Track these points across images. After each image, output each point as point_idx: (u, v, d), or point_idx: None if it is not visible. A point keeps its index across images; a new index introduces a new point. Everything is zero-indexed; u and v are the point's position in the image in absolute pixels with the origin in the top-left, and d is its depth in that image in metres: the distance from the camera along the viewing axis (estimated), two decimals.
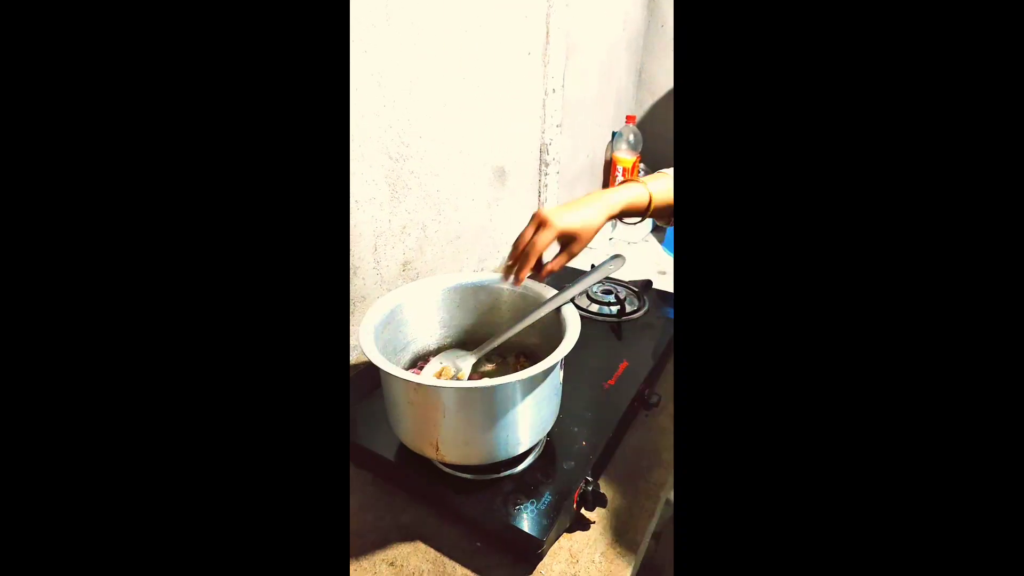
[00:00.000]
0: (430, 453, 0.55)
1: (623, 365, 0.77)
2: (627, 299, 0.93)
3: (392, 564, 0.57)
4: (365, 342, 0.54)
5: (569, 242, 0.62)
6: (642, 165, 1.49)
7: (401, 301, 0.64)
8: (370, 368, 0.80)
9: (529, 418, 0.55)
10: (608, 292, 0.94)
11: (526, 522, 0.54)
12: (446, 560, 0.58)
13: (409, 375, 0.49)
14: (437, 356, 0.66)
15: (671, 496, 0.93)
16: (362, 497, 0.65)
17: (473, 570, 0.57)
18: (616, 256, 0.69)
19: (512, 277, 0.64)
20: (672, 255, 1.25)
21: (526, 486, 0.58)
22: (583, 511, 0.61)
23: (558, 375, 0.58)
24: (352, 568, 0.57)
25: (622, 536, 0.60)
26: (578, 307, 0.91)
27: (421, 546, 0.59)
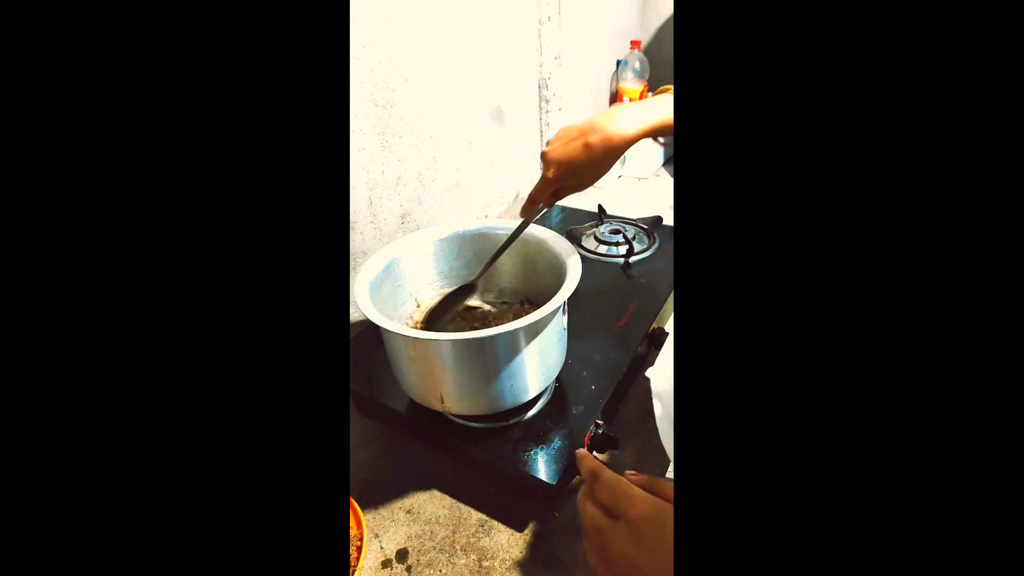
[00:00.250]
0: (436, 406, 0.55)
1: (632, 306, 0.75)
2: (636, 238, 0.90)
3: (409, 511, 0.59)
4: (360, 298, 0.53)
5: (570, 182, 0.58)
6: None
7: (397, 255, 0.62)
8: (374, 326, 0.80)
9: (534, 366, 0.54)
10: (616, 232, 0.90)
11: (537, 468, 0.54)
12: (461, 506, 0.59)
13: (404, 329, 0.48)
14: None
15: None
16: (379, 447, 0.66)
17: (487, 514, 0.58)
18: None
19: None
20: None
21: (535, 433, 0.58)
22: (594, 453, 0.61)
23: (561, 320, 0.56)
24: (371, 516, 0.59)
25: None
26: (586, 249, 0.88)
27: (436, 493, 0.60)
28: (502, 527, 0.57)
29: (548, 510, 0.57)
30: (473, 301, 0.71)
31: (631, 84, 1.36)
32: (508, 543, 0.56)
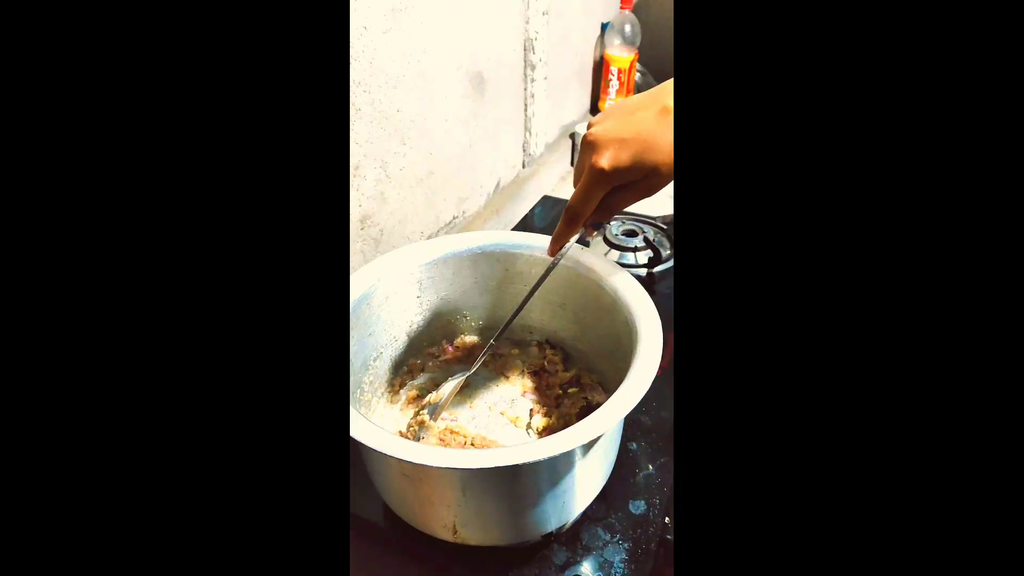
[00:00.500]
0: (444, 535, 0.36)
1: (672, 337, 0.58)
2: (657, 241, 0.72)
3: None
4: None
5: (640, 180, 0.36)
6: (640, 66, 1.23)
7: (369, 287, 0.41)
8: None
9: (588, 478, 0.35)
10: (632, 234, 0.73)
11: None
12: None
13: (403, 448, 0.28)
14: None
15: None
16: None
17: None
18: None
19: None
20: None
21: (585, 551, 0.39)
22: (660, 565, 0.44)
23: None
24: None
25: None
26: None
27: None
28: None
29: None
30: (470, 337, 0.51)
31: (619, 51, 1.17)
32: None
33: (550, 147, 1.08)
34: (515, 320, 0.50)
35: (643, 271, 0.68)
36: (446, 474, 0.31)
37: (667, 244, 0.73)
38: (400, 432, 0.44)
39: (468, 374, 0.44)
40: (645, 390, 0.31)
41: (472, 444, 0.42)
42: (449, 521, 0.34)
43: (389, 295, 0.44)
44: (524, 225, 0.87)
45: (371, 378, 0.44)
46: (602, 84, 1.20)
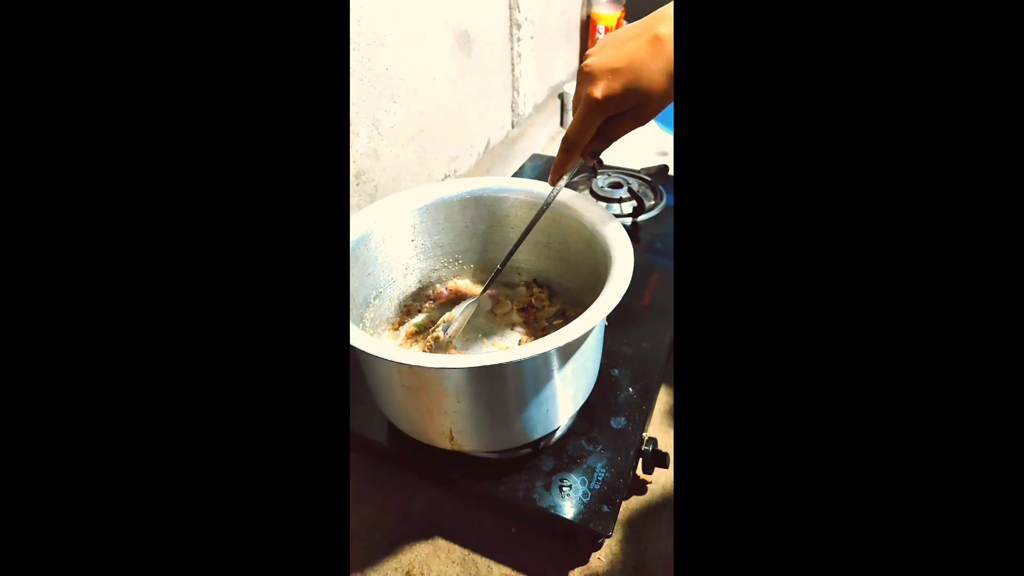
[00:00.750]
0: (442, 443, 0.40)
1: (654, 278, 0.62)
2: (641, 192, 0.76)
3: (409, 573, 0.45)
4: None
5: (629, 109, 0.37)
6: (626, 23, 1.23)
7: (366, 230, 0.45)
8: None
9: (569, 386, 0.40)
10: (618, 185, 0.76)
11: (581, 510, 0.41)
12: (476, 559, 0.45)
13: (403, 355, 0.32)
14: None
15: None
16: (355, 484, 0.51)
17: (513, 567, 0.45)
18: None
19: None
20: (672, 133, 1.05)
21: (569, 459, 0.44)
22: (639, 474, 0.49)
23: (603, 322, 0.42)
24: None
25: None
26: None
27: (442, 544, 0.46)
28: None
29: (589, 552, 0.45)
30: (462, 281, 0.55)
31: (605, 9, 1.17)
32: None
33: (539, 107, 1.10)
34: (494, 258, 0.54)
35: (628, 220, 0.72)
36: (442, 379, 0.35)
37: (650, 195, 0.77)
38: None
39: (478, 298, 0.48)
40: (615, 303, 0.35)
41: None
42: (446, 428, 0.38)
43: (385, 238, 0.47)
44: None
45: (372, 314, 0.48)
46: (589, 43, 1.21)
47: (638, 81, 0.34)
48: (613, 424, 0.47)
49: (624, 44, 0.35)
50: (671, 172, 0.81)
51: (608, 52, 0.35)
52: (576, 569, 0.44)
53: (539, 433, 0.41)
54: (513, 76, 0.97)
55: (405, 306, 0.52)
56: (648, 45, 0.34)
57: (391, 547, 0.46)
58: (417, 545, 0.46)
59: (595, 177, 0.78)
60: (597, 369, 0.44)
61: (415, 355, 0.32)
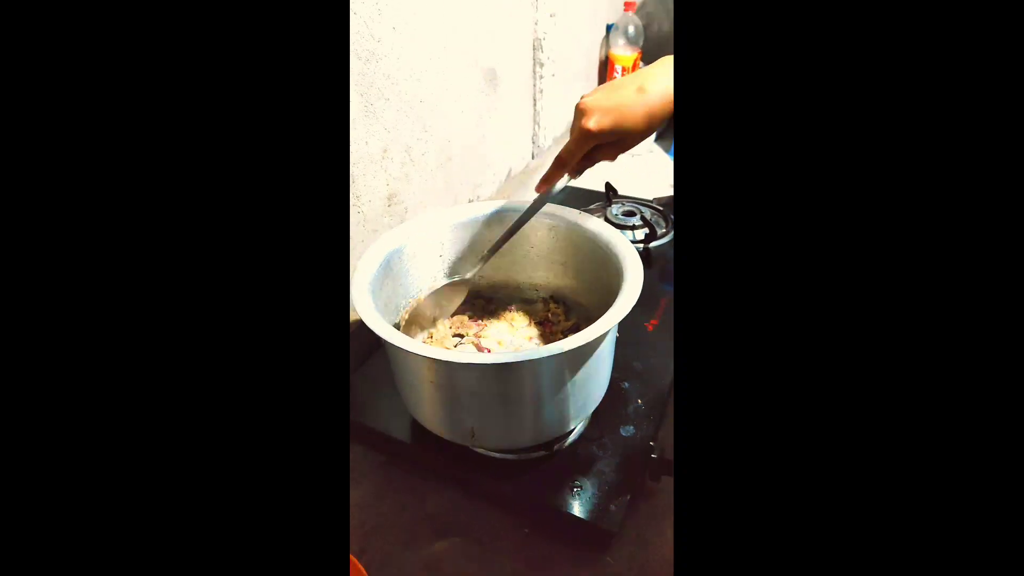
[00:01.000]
0: (463, 441, 0.43)
1: (664, 301, 0.65)
2: (653, 220, 0.80)
3: (428, 567, 0.47)
4: (361, 303, 0.40)
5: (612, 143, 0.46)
6: (642, 64, 1.30)
7: (400, 245, 0.49)
8: (364, 327, 0.67)
9: (583, 388, 0.43)
10: (631, 214, 0.80)
11: (590, 509, 0.43)
12: (491, 556, 0.48)
13: (428, 349, 0.36)
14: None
15: None
16: (376, 484, 0.54)
17: (526, 566, 0.47)
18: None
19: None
20: None
21: (581, 462, 0.47)
22: (647, 480, 0.51)
23: (614, 332, 0.45)
24: None
25: None
26: None
27: (458, 542, 0.49)
28: None
29: (599, 554, 0.47)
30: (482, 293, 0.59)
31: (623, 51, 1.24)
32: None
33: (558, 140, 1.16)
34: (524, 280, 0.58)
35: (640, 246, 0.76)
36: (467, 375, 0.38)
37: (662, 223, 0.81)
38: None
39: (465, 277, 0.52)
40: (626, 312, 0.39)
41: None
42: (468, 426, 0.42)
43: (416, 252, 0.52)
44: None
45: (400, 321, 0.52)
46: (607, 82, 1.28)
47: (623, 120, 0.42)
48: (622, 432, 0.50)
49: (616, 91, 0.43)
50: None
51: (602, 95, 0.44)
52: (585, 570, 0.47)
53: (553, 434, 0.44)
54: (535, 110, 1.04)
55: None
56: (634, 94, 0.42)
57: (409, 543, 0.49)
58: (436, 542, 0.49)
59: (610, 205, 0.83)
60: (608, 378, 0.48)
61: (445, 351, 0.36)
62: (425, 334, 0.55)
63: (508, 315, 0.57)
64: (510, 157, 1.01)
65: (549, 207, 0.54)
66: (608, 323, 0.37)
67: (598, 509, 0.43)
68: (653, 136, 1.26)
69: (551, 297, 0.58)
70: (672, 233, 0.78)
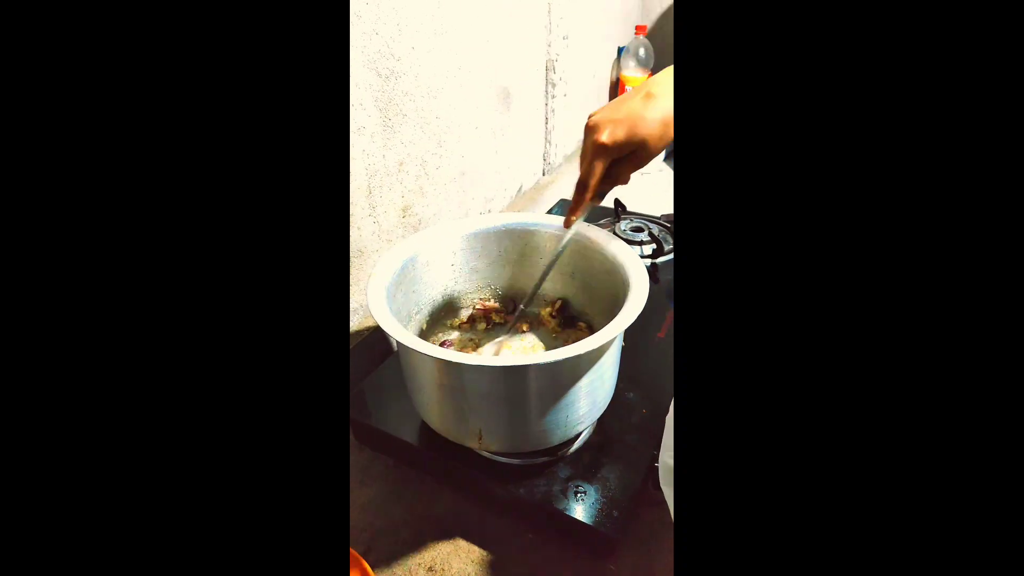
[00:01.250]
0: (471, 443, 0.45)
1: (671, 314, 0.67)
2: (660, 236, 0.81)
3: (431, 569, 0.48)
4: (377, 308, 0.42)
5: (629, 154, 0.44)
6: None
7: (414, 253, 0.51)
8: (377, 334, 0.69)
9: (590, 394, 0.44)
10: (639, 230, 0.82)
11: (594, 514, 0.44)
12: (494, 559, 0.49)
13: (442, 351, 0.38)
14: (492, 342, 0.53)
15: None
16: (385, 486, 0.55)
17: (528, 570, 0.48)
18: None
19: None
20: None
21: (585, 468, 0.48)
22: (650, 488, 0.52)
23: (619, 342, 0.47)
24: (388, 575, 0.48)
25: None
26: None
27: (462, 544, 0.50)
28: None
29: (602, 560, 0.48)
30: (492, 303, 0.60)
31: (634, 73, 1.27)
32: None
33: (568, 158, 1.18)
34: (530, 287, 0.59)
35: (648, 261, 0.77)
36: (476, 377, 0.40)
37: (669, 239, 0.82)
38: None
39: (506, 336, 0.54)
40: (631, 321, 0.40)
41: None
42: (476, 428, 0.43)
43: (429, 261, 0.54)
44: None
45: (413, 327, 0.54)
46: None
47: (636, 128, 0.41)
48: (627, 440, 0.50)
49: (624, 102, 0.42)
50: None
51: (610, 108, 0.43)
52: None
53: (558, 439, 0.45)
54: (546, 129, 1.06)
55: (442, 324, 0.58)
56: (642, 100, 0.41)
57: (416, 544, 0.50)
58: (440, 544, 0.50)
59: (618, 221, 0.85)
60: (613, 386, 0.49)
61: (455, 353, 0.37)
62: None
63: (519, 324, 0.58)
64: (522, 173, 1.03)
65: (560, 221, 0.56)
66: (614, 331, 0.39)
67: (601, 515, 0.44)
68: (663, 155, 1.28)
69: (556, 303, 0.59)
70: None
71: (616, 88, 1.32)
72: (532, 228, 0.56)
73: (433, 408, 0.45)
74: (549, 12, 0.94)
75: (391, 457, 0.57)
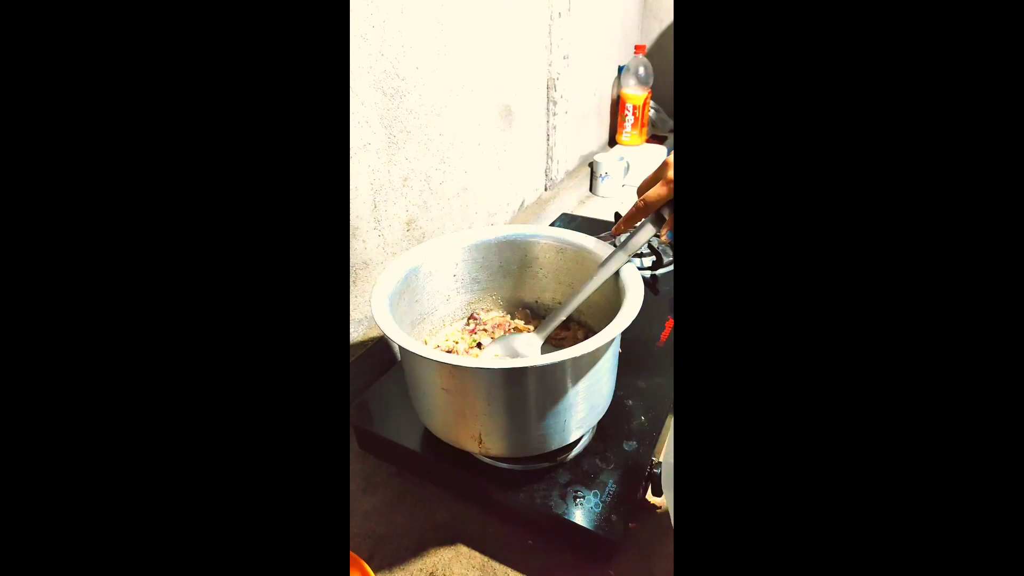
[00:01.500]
0: (471, 447, 0.46)
1: (670, 322, 0.68)
2: (660, 248, 0.83)
3: (433, 575, 0.49)
4: (381, 315, 0.43)
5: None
6: (653, 103, 1.36)
7: (418, 263, 0.53)
8: (382, 344, 0.70)
9: (588, 398, 0.45)
10: None
11: (593, 519, 0.45)
12: (495, 565, 0.49)
13: (446, 356, 0.39)
14: (494, 343, 0.55)
15: None
16: (388, 494, 0.56)
17: (528, 575, 0.48)
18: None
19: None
20: None
21: (584, 474, 0.49)
22: (648, 497, 0.52)
23: (617, 346, 0.48)
24: None
25: None
26: None
27: (463, 550, 0.51)
28: None
29: (602, 565, 0.48)
30: (494, 313, 0.62)
31: (634, 91, 1.30)
32: None
33: (570, 174, 1.20)
34: (531, 299, 0.61)
35: (648, 273, 0.79)
36: (476, 381, 0.41)
37: (669, 252, 0.84)
38: None
39: (508, 336, 0.55)
40: (626, 325, 0.41)
41: None
42: (476, 431, 0.44)
43: (433, 271, 0.55)
44: None
45: (416, 336, 0.55)
46: (619, 119, 1.33)
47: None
48: (625, 447, 0.51)
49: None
50: None
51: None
52: None
53: (556, 444, 0.46)
54: (548, 145, 1.09)
55: (444, 333, 0.60)
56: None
57: (418, 550, 0.51)
58: (441, 550, 0.51)
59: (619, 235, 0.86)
60: (611, 392, 0.50)
61: (454, 356, 0.39)
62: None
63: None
64: (524, 189, 1.05)
65: (558, 232, 0.57)
66: (610, 334, 0.40)
67: (600, 518, 0.45)
68: None
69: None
70: None
71: (617, 105, 1.34)
72: (532, 239, 0.58)
73: (434, 412, 0.46)
74: (550, 33, 0.97)
75: (394, 465, 0.58)
